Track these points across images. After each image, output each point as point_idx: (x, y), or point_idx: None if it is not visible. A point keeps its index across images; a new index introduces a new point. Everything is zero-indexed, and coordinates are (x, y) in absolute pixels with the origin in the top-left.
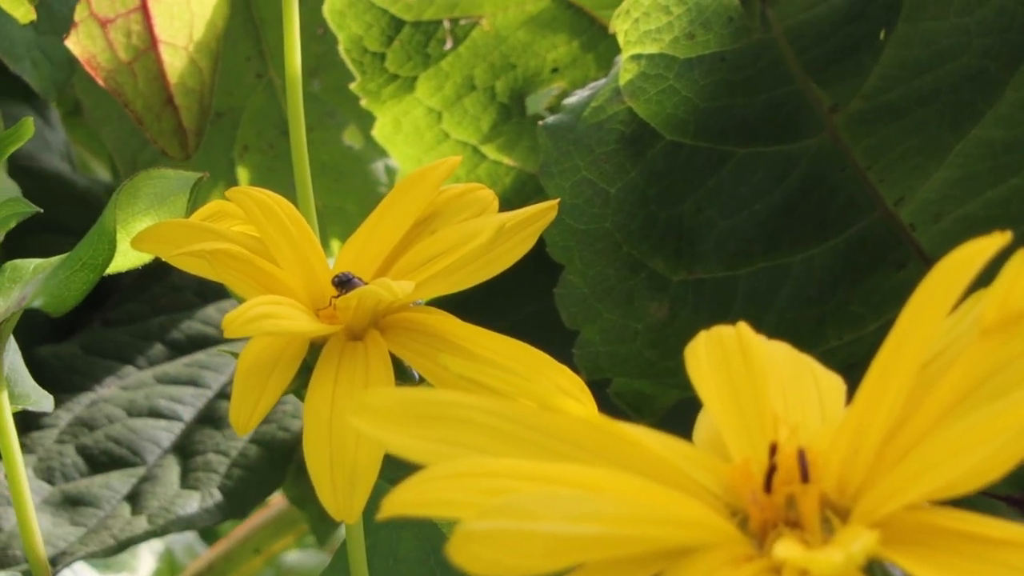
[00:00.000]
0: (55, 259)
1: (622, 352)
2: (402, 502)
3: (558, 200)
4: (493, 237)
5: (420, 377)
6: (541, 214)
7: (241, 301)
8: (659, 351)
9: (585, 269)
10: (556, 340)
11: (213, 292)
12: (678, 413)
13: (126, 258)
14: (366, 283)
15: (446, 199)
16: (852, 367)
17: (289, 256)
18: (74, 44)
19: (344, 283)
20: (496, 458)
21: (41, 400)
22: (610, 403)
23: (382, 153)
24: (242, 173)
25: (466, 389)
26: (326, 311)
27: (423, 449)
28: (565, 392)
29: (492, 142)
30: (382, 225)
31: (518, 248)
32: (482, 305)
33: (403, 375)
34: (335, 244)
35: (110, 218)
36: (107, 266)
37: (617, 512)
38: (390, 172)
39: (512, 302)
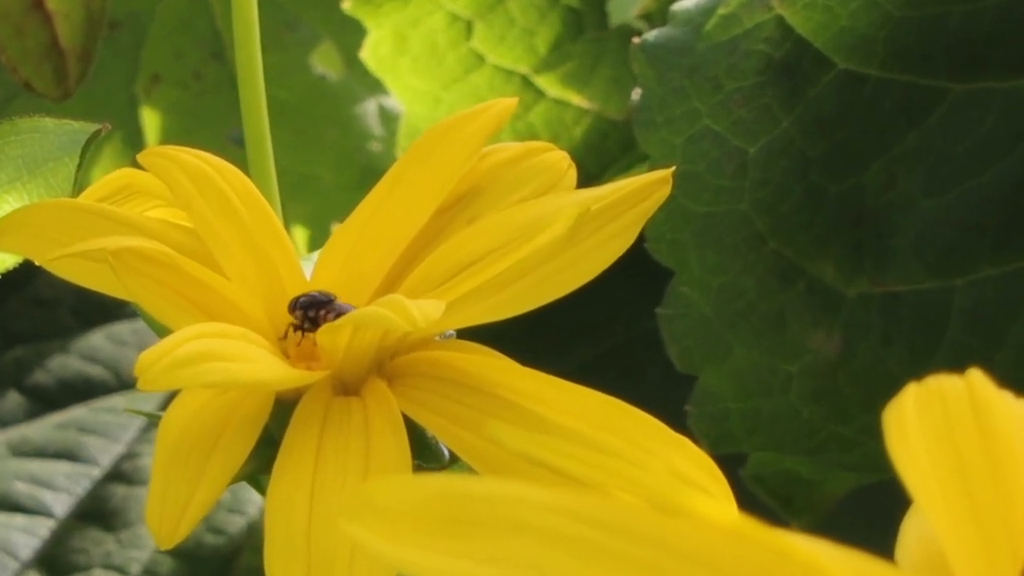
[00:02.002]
0: None
1: (766, 410)
2: None
3: (672, 169)
4: (572, 229)
5: (451, 455)
6: (647, 190)
7: (162, 333)
8: (826, 409)
9: (707, 277)
10: (653, 391)
11: (101, 310)
12: (852, 510)
13: None
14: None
15: (491, 167)
16: None
17: (240, 258)
18: None
19: (324, 304)
20: None
21: None
22: (744, 492)
23: (375, 87)
24: (149, 119)
25: (528, 476)
26: (301, 348)
27: (465, 574)
28: (688, 481)
29: (553, 70)
30: (388, 208)
31: (608, 247)
32: (532, 337)
33: (424, 451)
34: (299, 235)
35: None
36: None
37: None
38: (388, 118)
39: (582, 331)
